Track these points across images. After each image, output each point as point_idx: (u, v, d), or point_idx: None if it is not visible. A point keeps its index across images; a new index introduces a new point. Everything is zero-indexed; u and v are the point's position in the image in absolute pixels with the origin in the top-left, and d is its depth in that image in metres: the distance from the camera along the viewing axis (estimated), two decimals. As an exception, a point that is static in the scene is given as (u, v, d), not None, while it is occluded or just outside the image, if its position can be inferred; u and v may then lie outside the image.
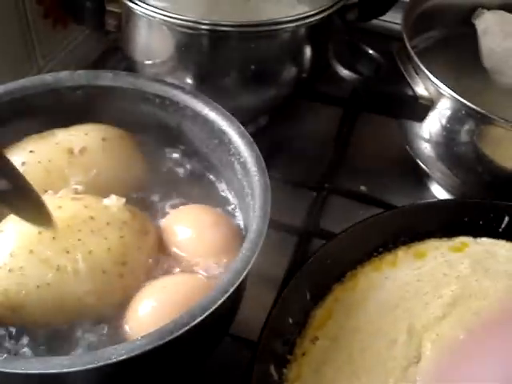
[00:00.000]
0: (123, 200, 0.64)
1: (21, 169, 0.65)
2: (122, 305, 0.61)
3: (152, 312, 0.60)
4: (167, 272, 0.64)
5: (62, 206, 0.62)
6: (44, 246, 0.59)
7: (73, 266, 0.58)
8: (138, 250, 0.62)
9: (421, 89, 0.77)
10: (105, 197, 0.65)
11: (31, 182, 0.63)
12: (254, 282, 0.65)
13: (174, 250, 0.66)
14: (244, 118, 0.70)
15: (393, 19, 1.01)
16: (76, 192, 0.66)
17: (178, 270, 0.64)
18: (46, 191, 0.65)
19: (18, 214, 0.57)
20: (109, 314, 0.60)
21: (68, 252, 0.59)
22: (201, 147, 0.71)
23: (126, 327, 0.60)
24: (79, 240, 0.60)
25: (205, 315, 0.53)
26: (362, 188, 0.88)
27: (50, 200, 0.61)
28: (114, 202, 0.64)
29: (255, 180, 0.63)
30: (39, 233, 0.59)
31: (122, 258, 0.61)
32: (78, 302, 0.59)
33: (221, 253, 0.64)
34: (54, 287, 0.58)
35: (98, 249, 0.60)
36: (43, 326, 0.59)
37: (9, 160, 0.55)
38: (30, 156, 0.67)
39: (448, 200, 0.84)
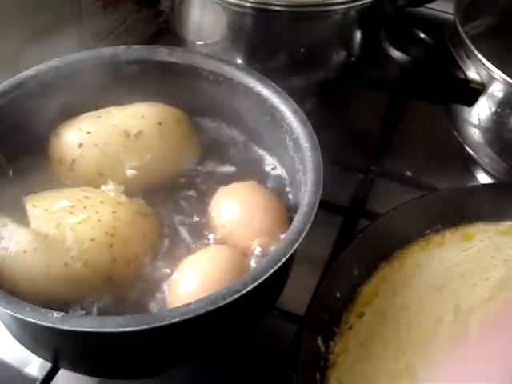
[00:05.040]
0: (121, 187, 0.65)
1: (77, 151, 0.67)
2: (110, 277, 0.60)
3: (190, 287, 0.60)
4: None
5: (60, 191, 0.64)
6: (35, 218, 0.60)
7: (61, 234, 0.59)
8: (131, 226, 0.62)
9: (472, 73, 0.77)
10: (156, 180, 0.67)
11: (87, 165, 0.67)
12: (299, 260, 0.65)
13: (222, 224, 0.66)
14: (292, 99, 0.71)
15: (443, 8, 1.01)
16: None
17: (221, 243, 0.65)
18: (101, 174, 0.67)
19: None
20: (98, 285, 0.60)
21: (59, 223, 0.60)
22: (253, 124, 0.72)
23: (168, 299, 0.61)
24: (71, 213, 0.61)
25: (257, 283, 0.54)
26: (408, 173, 0.88)
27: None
28: (111, 188, 0.65)
29: (307, 156, 0.63)
30: (33, 206, 0.60)
31: (112, 229, 0.61)
32: (64, 268, 0.59)
33: (267, 234, 0.64)
34: (41, 253, 0.59)
35: (88, 220, 0.60)
36: (31, 294, 0.58)
37: None
38: (87, 137, 0.67)
39: (497, 183, 0.84)
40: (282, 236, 0.63)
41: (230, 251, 0.63)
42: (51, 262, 0.59)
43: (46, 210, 0.61)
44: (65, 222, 0.60)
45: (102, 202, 0.63)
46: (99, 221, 0.61)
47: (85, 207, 0.61)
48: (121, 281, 0.61)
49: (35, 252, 0.59)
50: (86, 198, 0.63)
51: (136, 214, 0.64)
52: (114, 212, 0.62)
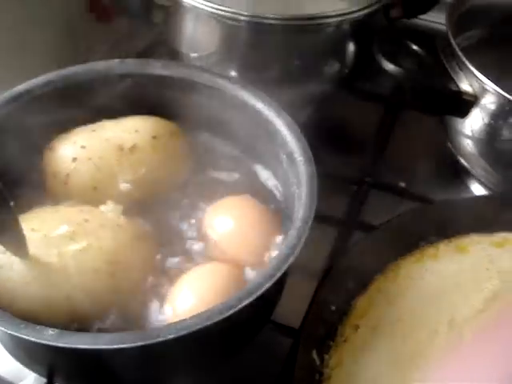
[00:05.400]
0: (120, 207, 0.65)
1: (71, 165, 0.67)
2: (112, 305, 0.60)
3: (188, 303, 0.60)
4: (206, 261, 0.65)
5: (58, 211, 0.64)
6: (35, 245, 0.59)
7: (62, 263, 0.58)
8: (132, 252, 0.62)
9: (465, 85, 0.77)
10: (149, 194, 0.67)
11: (81, 179, 0.66)
12: (294, 273, 0.65)
13: (215, 240, 0.66)
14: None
15: (435, 19, 1.01)
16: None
17: (220, 259, 0.65)
18: (95, 188, 0.66)
19: None
20: (98, 314, 0.60)
21: (58, 250, 0.59)
22: (247, 137, 0.72)
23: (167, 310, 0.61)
24: (71, 239, 0.60)
25: (252, 299, 0.54)
26: (401, 184, 0.88)
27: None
28: (110, 208, 0.65)
29: (301, 170, 0.63)
30: (32, 230, 0.59)
31: (114, 256, 0.60)
32: (66, 299, 0.58)
33: (260, 248, 0.65)
34: (42, 284, 0.58)
35: (89, 247, 0.60)
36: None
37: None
38: (81, 152, 0.67)
39: (491, 194, 0.84)
40: (276, 250, 0.63)
41: (227, 268, 0.64)
42: (52, 293, 0.58)
43: (46, 236, 0.60)
44: (66, 250, 0.59)
45: (101, 225, 0.62)
46: (101, 248, 0.60)
47: (85, 232, 0.61)
48: (122, 305, 0.61)
49: (36, 283, 0.58)
50: (86, 221, 0.62)
51: (136, 239, 0.63)
52: (114, 238, 0.62)
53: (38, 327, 0.52)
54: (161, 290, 0.63)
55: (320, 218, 0.68)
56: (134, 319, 0.61)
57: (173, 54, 0.90)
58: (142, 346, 0.51)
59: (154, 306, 0.62)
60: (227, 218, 0.67)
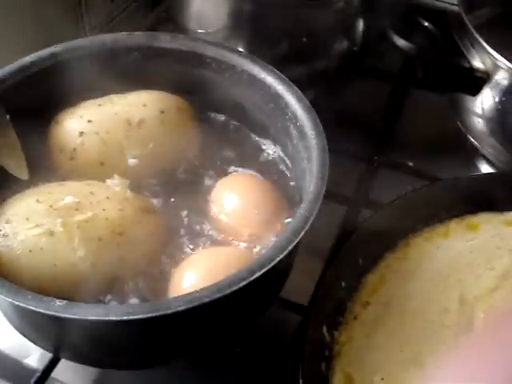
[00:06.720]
0: (127, 181, 0.64)
1: (78, 139, 0.66)
2: (117, 276, 0.60)
3: (193, 283, 0.59)
4: (211, 238, 0.65)
5: (64, 185, 0.63)
6: (40, 215, 0.58)
7: (67, 232, 0.58)
8: (138, 224, 0.61)
9: (477, 62, 0.76)
10: (157, 169, 0.67)
11: (88, 154, 0.66)
12: (303, 250, 0.65)
13: (221, 217, 0.66)
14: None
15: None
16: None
17: (221, 236, 0.65)
18: (102, 163, 0.66)
19: None
20: (104, 285, 0.59)
21: (64, 220, 0.58)
22: (256, 112, 0.71)
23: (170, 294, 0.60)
24: (76, 210, 0.59)
25: (263, 271, 0.53)
26: (410, 163, 0.87)
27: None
28: (116, 182, 0.64)
29: (313, 143, 0.63)
30: (37, 201, 0.59)
31: (119, 228, 0.60)
32: (71, 268, 0.57)
33: (265, 225, 0.64)
34: (47, 252, 0.57)
35: (95, 217, 0.59)
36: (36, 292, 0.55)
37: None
38: (88, 126, 0.66)
39: (502, 173, 0.83)
40: (284, 224, 0.62)
41: (238, 251, 0.63)
42: (58, 262, 0.57)
43: (51, 206, 0.59)
44: (71, 220, 0.58)
45: (107, 198, 0.61)
46: (106, 219, 0.59)
47: (91, 203, 0.60)
48: (127, 278, 0.60)
49: (41, 252, 0.57)
50: (92, 193, 0.61)
51: (142, 211, 0.63)
52: (120, 209, 0.61)
53: (46, 298, 0.51)
54: (166, 264, 0.62)
55: (329, 195, 0.68)
56: (140, 293, 0.60)
57: (179, 31, 0.89)
58: (152, 318, 0.51)
59: (160, 280, 0.61)
60: (235, 194, 0.67)
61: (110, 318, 0.50)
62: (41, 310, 0.51)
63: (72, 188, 0.63)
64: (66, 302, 0.51)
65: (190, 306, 0.51)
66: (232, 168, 0.70)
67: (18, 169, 0.58)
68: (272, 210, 0.65)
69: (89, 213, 0.59)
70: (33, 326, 0.60)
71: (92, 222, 0.59)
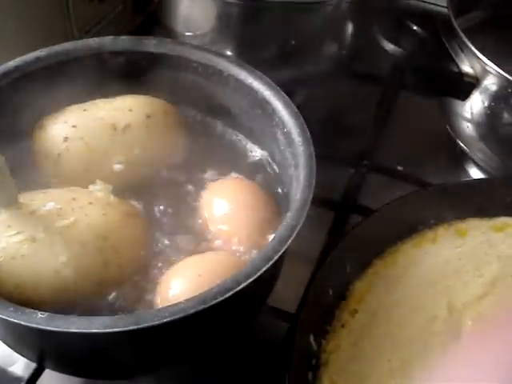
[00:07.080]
0: (110, 186, 0.63)
1: (63, 145, 0.65)
2: (101, 282, 0.59)
3: (181, 289, 0.59)
4: (201, 244, 0.64)
5: (46, 192, 0.62)
6: (22, 222, 0.58)
7: (49, 238, 0.57)
8: (122, 229, 0.61)
9: (466, 66, 0.76)
10: (143, 175, 0.66)
11: (73, 160, 0.65)
12: (290, 256, 0.64)
13: (209, 222, 0.65)
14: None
15: (435, 0, 1.00)
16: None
17: (216, 242, 0.64)
18: (87, 168, 0.65)
19: None
20: (87, 291, 0.58)
21: (46, 226, 0.57)
22: (243, 117, 0.70)
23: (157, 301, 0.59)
24: (58, 215, 0.58)
25: (249, 281, 0.53)
26: (399, 167, 0.87)
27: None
28: (99, 187, 0.63)
29: (300, 150, 0.62)
30: (18, 209, 0.58)
31: (103, 232, 0.59)
32: (53, 274, 0.57)
33: (256, 231, 0.64)
34: (29, 258, 0.56)
35: (77, 223, 0.58)
36: (19, 300, 0.55)
37: None
38: (73, 131, 0.65)
39: (490, 178, 0.83)
40: (272, 233, 0.61)
41: (225, 258, 0.62)
42: (40, 268, 0.56)
43: (33, 213, 0.58)
44: (53, 226, 0.57)
45: (90, 203, 0.61)
46: (88, 224, 0.59)
47: (73, 209, 0.59)
48: (111, 285, 0.59)
49: (23, 258, 0.56)
50: (74, 199, 0.60)
51: (126, 216, 0.62)
52: (104, 214, 0.60)
53: (28, 310, 0.50)
54: (153, 271, 0.62)
55: (317, 201, 0.68)
56: (124, 300, 0.59)
57: (167, 34, 0.88)
58: (136, 330, 0.50)
59: (146, 287, 0.61)
60: (222, 200, 0.66)
61: (93, 331, 0.50)
62: (22, 323, 0.50)
63: (54, 195, 0.62)
64: (47, 314, 0.50)
65: (175, 317, 0.50)
66: (219, 173, 0.69)
67: (8, 198, 0.57)
68: (263, 215, 0.65)
69: (71, 218, 0.59)
70: (15, 336, 0.59)
71: (74, 228, 0.58)
